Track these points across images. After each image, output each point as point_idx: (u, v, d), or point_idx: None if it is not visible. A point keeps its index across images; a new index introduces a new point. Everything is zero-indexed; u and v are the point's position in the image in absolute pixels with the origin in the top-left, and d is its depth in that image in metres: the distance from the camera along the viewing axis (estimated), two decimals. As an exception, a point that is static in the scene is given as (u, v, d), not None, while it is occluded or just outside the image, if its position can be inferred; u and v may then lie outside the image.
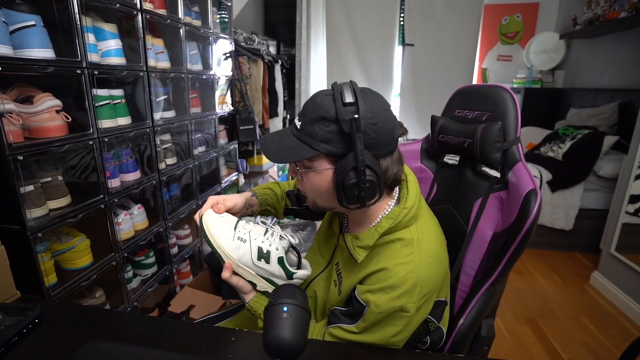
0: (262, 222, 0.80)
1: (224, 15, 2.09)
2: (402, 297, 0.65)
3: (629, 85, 2.63)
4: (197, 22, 1.76)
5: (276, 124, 2.85)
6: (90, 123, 1.15)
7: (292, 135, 0.67)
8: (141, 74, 1.38)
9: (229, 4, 2.10)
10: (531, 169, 2.58)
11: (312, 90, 3.74)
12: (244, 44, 2.43)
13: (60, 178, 1.10)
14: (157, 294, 1.67)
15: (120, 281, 1.34)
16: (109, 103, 1.25)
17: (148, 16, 1.37)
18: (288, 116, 3.35)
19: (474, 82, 3.74)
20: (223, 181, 2.14)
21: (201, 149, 1.92)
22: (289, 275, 0.76)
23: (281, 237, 0.76)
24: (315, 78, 3.74)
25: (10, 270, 0.87)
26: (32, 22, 0.97)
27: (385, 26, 3.64)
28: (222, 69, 2.07)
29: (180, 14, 1.59)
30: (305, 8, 3.42)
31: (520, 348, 1.74)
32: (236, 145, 2.30)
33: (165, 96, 1.60)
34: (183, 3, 1.60)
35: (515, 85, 3.54)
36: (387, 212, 0.73)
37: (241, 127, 2.23)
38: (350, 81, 0.64)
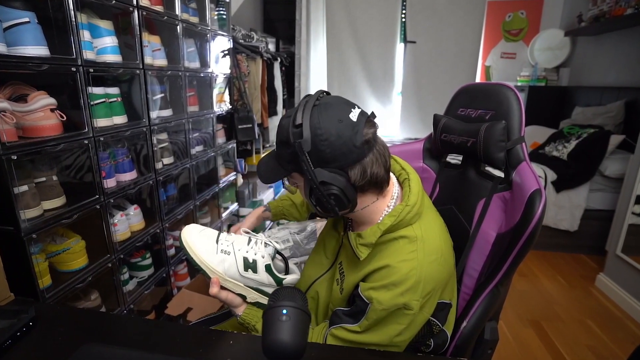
0: (245, 232, 0.80)
1: (222, 12, 2.09)
2: (405, 294, 0.66)
3: (636, 83, 2.63)
4: (194, 19, 1.76)
5: (275, 123, 2.85)
6: (86, 122, 1.15)
7: (273, 157, 0.74)
8: (137, 71, 1.38)
9: (227, 1, 2.10)
10: (535, 168, 2.59)
11: (312, 89, 3.74)
12: (242, 41, 2.43)
13: (54, 178, 1.10)
14: (154, 297, 1.67)
15: (116, 283, 1.34)
16: (104, 101, 1.25)
17: (144, 13, 1.37)
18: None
19: (477, 80, 3.74)
20: (221, 181, 2.15)
21: (199, 148, 1.92)
22: (278, 282, 0.76)
23: (266, 245, 0.77)
24: (315, 76, 3.74)
25: (3, 272, 0.87)
26: (26, 19, 0.97)
27: (387, 23, 3.64)
28: (220, 66, 2.07)
29: (178, 11, 1.59)
30: (305, 4, 3.42)
31: (524, 352, 1.74)
32: (234, 145, 2.30)
33: (162, 94, 1.60)
34: (180, -1, 1.60)
35: (519, 84, 3.54)
36: (389, 210, 0.73)
37: (239, 126, 2.23)
38: (309, 97, 0.67)
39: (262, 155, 0.78)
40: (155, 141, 1.51)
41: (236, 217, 2.48)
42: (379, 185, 0.70)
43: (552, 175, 2.58)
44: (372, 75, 3.84)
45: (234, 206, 2.38)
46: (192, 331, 0.77)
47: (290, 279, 0.77)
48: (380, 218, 0.73)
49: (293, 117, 0.64)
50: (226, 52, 2.12)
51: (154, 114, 1.49)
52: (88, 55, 1.14)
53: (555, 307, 2.09)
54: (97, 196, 1.21)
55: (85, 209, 1.16)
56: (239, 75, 2.26)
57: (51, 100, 1.05)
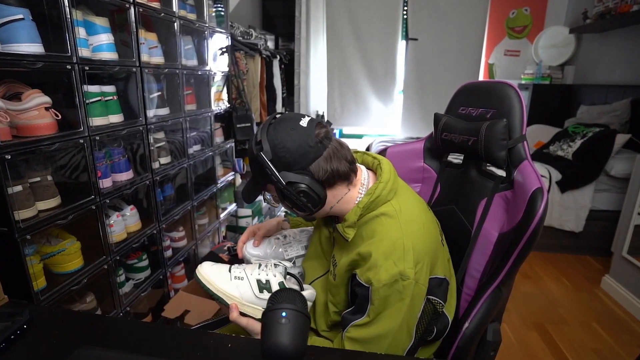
0: (256, 261, 0.84)
1: (220, 9, 2.09)
2: (397, 263, 0.70)
3: (642, 81, 2.64)
4: (192, 16, 1.77)
5: (274, 122, 2.85)
6: (81, 121, 1.15)
7: (250, 179, 0.84)
8: (134, 69, 1.38)
9: (225, -3, 2.10)
10: (540, 168, 2.60)
11: (312, 87, 3.74)
12: (240, 38, 2.43)
13: (49, 178, 1.11)
14: (151, 299, 1.67)
15: (112, 285, 1.35)
16: (100, 100, 1.25)
17: (141, 9, 1.38)
18: (288, 114, 3.35)
19: (480, 78, 3.74)
20: (219, 181, 2.15)
21: (196, 147, 1.92)
22: None
23: (275, 265, 0.80)
24: (315, 74, 3.74)
25: (-3, 274, 0.88)
26: (20, 16, 0.98)
27: (388, 20, 3.65)
28: (218, 64, 2.07)
29: (175, 7, 1.59)
30: (304, 1, 3.43)
31: (528, 354, 1.75)
32: (233, 144, 2.30)
33: (159, 93, 1.61)
34: (177, -4, 1.60)
35: (523, 82, 3.55)
36: (363, 192, 0.79)
37: (238, 125, 2.24)
38: (269, 118, 0.78)
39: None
40: (152, 140, 1.51)
41: (234, 217, 2.49)
42: (344, 177, 0.76)
43: (556, 175, 2.58)
44: (373, 73, 3.85)
45: (232, 207, 2.39)
46: (190, 334, 0.77)
47: (307, 294, 0.78)
48: (356, 200, 0.79)
49: (254, 137, 0.77)
50: (224, 49, 2.13)
51: (150, 113, 1.50)
52: (83, 52, 1.15)
53: (560, 309, 2.10)
54: (93, 196, 1.21)
55: (80, 209, 1.17)
56: (237, 73, 2.26)
57: (46, 99, 1.05)
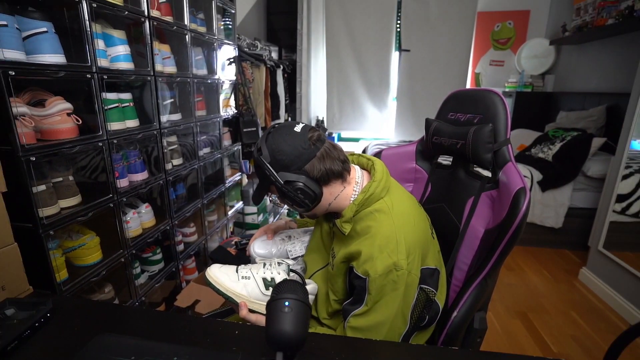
0: (260, 261, 0.85)
1: (228, 22, 2.09)
2: (391, 254, 0.71)
3: (616, 89, 2.64)
4: (202, 29, 1.76)
5: (278, 127, 2.85)
6: (100, 125, 1.15)
7: (258, 184, 0.85)
8: (149, 78, 1.38)
9: (233, 12, 2.10)
10: (522, 169, 2.59)
11: (312, 94, 3.74)
12: (247, 49, 2.43)
13: (71, 178, 1.11)
14: (164, 289, 1.67)
15: (129, 277, 1.35)
16: (117, 106, 1.25)
17: (155, 23, 1.38)
18: (289, 119, 3.35)
19: (468, 86, 3.74)
20: (227, 181, 2.15)
21: (206, 150, 1.92)
22: None
23: (279, 263, 0.81)
24: (316, 82, 3.74)
25: (23, 267, 0.88)
26: (44, 29, 0.98)
27: (383, 32, 3.64)
28: (226, 73, 2.07)
29: (186, 21, 1.59)
30: (305, 15, 3.43)
31: (511, 341, 1.74)
32: (240, 147, 2.30)
33: (172, 100, 1.61)
34: (189, 10, 1.60)
35: (507, 89, 3.54)
36: (358, 191, 0.79)
37: (244, 129, 2.23)
38: (269, 129, 0.80)
39: None
40: (165, 143, 1.51)
41: (241, 214, 2.48)
42: (338, 175, 0.78)
43: (537, 176, 2.58)
44: (369, 81, 3.84)
45: (239, 204, 2.39)
46: (200, 322, 0.77)
47: (310, 288, 0.79)
48: (352, 198, 0.80)
49: (256, 145, 0.79)
50: (232, 59, 2.12)
51: (164, 118, 1.50)
52: (102, 62, 1.15)
53: (541, 299, 2.09)
54: (111, 195, 1.21)
55: (99, 207, 1.17)
56: (243, 81, 2.26)
57: (67, 105, 1.05)
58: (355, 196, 0.79)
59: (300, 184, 0.75)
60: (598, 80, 2.87)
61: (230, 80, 2.12)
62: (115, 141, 1.21)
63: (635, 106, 1.88)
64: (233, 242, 1.08)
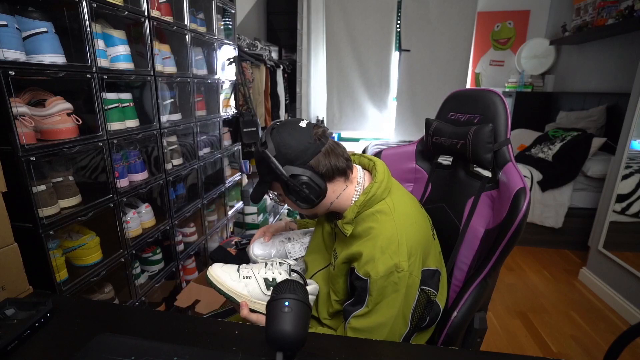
0: (262, 261, 0.85)
1: (228, 22, 2.09)
2: (393, 256, 0.70)
3: (616, 89, 2.64)
4: (202, 29, 1.76)
5: (278, 127, 2.85)
6: (100, 125, 1.15)
7: (257, 182, 0.84)
8: (149, 78, 1.38)
9: (233, 12, 2.10)
10: (522, 169, 2.59)
11: (313, 94, 3.74)
12: (247, 49, 2.43)
13: (71, 178, 1.11)
14: (164, 289, 1.67)
15: (129, 277, 1.34)
16: (117, 106, 1.25)
17: (155, 23, 1.38)
18: (289, 118, 3.34)
19: (468, 86, 3.74)
20: (227, 181, 2.15)
21: (206, 150, 1.92)
22: None
23: (280, 263, 0.81)
24: (316, 82, 3.74)
25: (23, 267, 0.88)
26: (44, 29, 0.98)
27: (383, 32, 3.64)
28: (226, 73, 2.07)
29: (186, 21, 1.59)
30: (305, 15, 3.43)
31: (511, 341, 1.74)
32: (239, 147, 2.30)
33: (172, 99, 1.61)
34: (189, 10, 1.60)
35: (507, 89, 3.54)
36: (359, 192, 0.79)
37: (244, 129, 2.23)
38: (272, 124, 0.79)
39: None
40: (165, 143, 1.51)
41: (241, 214, 2.48)
42: (342, 172, 0.78)
43: (537, 176, 2.58)
44: (369, 81, 3.84)
45: (239, 204, 2.39)
46: (200, 322, 0.77)
47: (311, 288, 0.79)
48: (353, 199, 0.79)
49: (259, 139, 0.78)
50: (232, 59, 2.12)
51: (164, 118, 1.50)
52: (102, 62, 1.15)
53: (541, 299, 2.09)
54: (111, 195, 1.21)
55: (99, 207, 1.17)
56: (243, 81, 2.26)
57: (67, 105, 1.05)
58: (357, 197, 0.79)
59: (306, 178, 0.74)
60: (598, 80, 2.87)
61: (230, 80, 2.12)
62: (115, 141, 1.21)
63: (635, 106, 1.88)
64: (233, 242, 1.08)
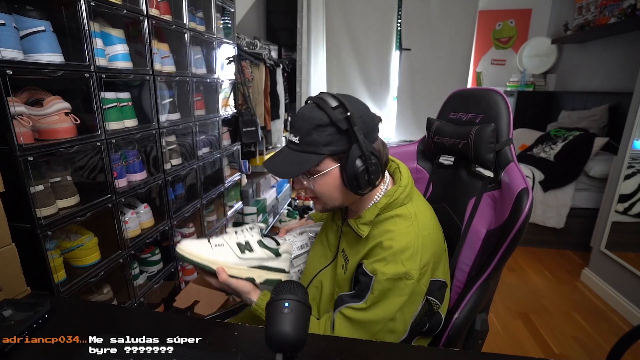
0: (231, 230, 0.82)
1: (227, 21, 2.09)
2: (405, 262, 0.68)
3: (619, 88, 2.64)
4: (201, 28, 1.76)
5: (277, 126, 2.85)
6: (98, 125, 1.15)
7: (293, 151, 0.71)
8: (147, 77, 1.38)
9: (232, 10, 2.10)
10: (524, 169, 2.59)
11: (313, 93, 3.72)
12: (246, 48, 2.42)
13: (69, 178, 1.11)
14: (163, 290, 1.67)
15: (127, 278, 1.34)
16: (116, 106, 1.25)
17: (154, 22, 1.38)
18: (289, 118, 3.35)
19: (469, 85, 3.74)
20: (226, 181, 2.14)
21: (205, 150, 1.92)
22: (276, 253, 0.78)
23: (251, 228, 0.79)
24: (316, 81, 3.74)
25: (20, 267, 0.88)
26: (42, 28, 0.97)
27: (383, 31, 3.64)
28: (225, 72, 2.07)
29: (185, 20, 1.59)
30: (305, 14, 3.43)
31: (513, 342, 1.74)
32: (239, 147, 2.30)
33: (171, 99, 1.61)
34: (188, 9, 1.60)
35: (508, 89, 3.54)
36: (382, 194, 0.77)
37: (244, 129, 2.23)
38: (323, 92, 0.71)
39: (267, 157, 0.78)
40: (164, 143, 1.51)
41: (241, 215, 2.48)
42: (386, 166, 0.74)
43: (539, 176, 2.58)
44: (369, 80, 3.84)
45: (238, 205, 2.38)
46: (199, 323, 0.77)
47: (285, 247, 0.78)
48: (375, 199, 0.76)
49: (323, 103, 0.67)
50: (231, 59, 2.12)
51: (163, 118, 1.49)
52: (100, 62, 1.14)
53: (543, 300, 2.10)
54: (109, 195, 1.21)
55: (97, 207, 1.17)
56: (243, 80, 2.26)
57: (65, 105, 1.05)
58: (378, 199, 0.76)
59: (375, 159, 0.67)
60: (600, 79, 2.87)
61: (229, 80, 2.12)
62: (113, 141, 1.21)
63: (638, 105, 1.88)
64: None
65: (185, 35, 1.61)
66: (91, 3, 1.07)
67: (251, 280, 0.77)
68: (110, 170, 1.21)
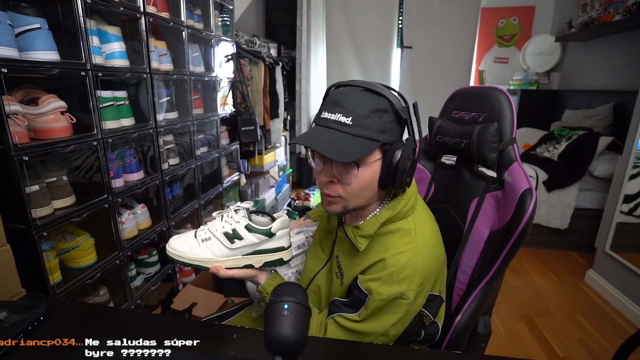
0: (217, 215, 0.79)
1: (225, 18, 2.09)
2: (402, 283, 0.67)
3: (624, 87, 2.64)
4: (199, 25, 1.76)
5: (277, 125, 2.85)
6: (95, 124, 1.15)
7: (343, 133, 0.63)
8: (144, 76, 1.38)
9: (231, 7, 2.10)
10: (527, 169, 2.59)
11: (313, 92, 3.73)
12: (245, 46, 2.43)
13: (64, 178, 1.11)
14: (160, 292, 1.67)
15: (124, 279, 1.34)
16: (112, 104, 1.25)
17: (151, 19, 1.38)
18: (288, 117, 3.35)
19: (471, 84, 3.74)
20: (225, 181, 2.15)
21: (203, 149, 1.92)
22: (268, 234, 0.75)
23: (236, 211, 0.76)
24: (315, 80, 3.74)
25: (15, 269, 0.87)
26: (37, 25, 0.97)
27: (384, 29, 3.64)
28: (224, 71, 2.07)
29: (183, 17, 1.59)
30: (305, 11, 3.43)
31: (516, 345, 1.74)
32: (238, 146, 2.30)
33: (168, 98, 1.61)
34: (185, 6, 1.60)
35: (511, 87, 3.54)
36: (384, 205, 0.74)
37: (242, 128, 2.23)
38: (353, 80, 0.68)
39: (302, 134, 0.71)
40: (161, 142, 1.51)
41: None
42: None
43: (543, 176, 2.58)
44: (370, 78, 3.82)
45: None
46: (197, 325, 0.76)
47: (277, 224, 0.75)
48: (376, 211, 0.74)
49: (378, 88, 0.64)
50: (230, 57, 2.12)
51: (160, 117, 1.49)
52: (97, 60, 1.14)
53: (547, 302, 2.09)
54: (106, 195, 1.21)
55: (94, 207, 1.17)
56: (242, 79, 2.26)
57: (61, 103, 1.05)
58: (378, 211, 0.73)
59: (413, 157, 0.67)
60: (605, 77, 2.87)
61: (228, 78, 2.12)
62: (110, 140, 1.21)
63: (643, 104, 1.88)
64: None
65: (183, 32, 1.61)
66: (87, 0, 1.07)
67: (250, 267, 0.76)
68: (106, 170, 1.21)
